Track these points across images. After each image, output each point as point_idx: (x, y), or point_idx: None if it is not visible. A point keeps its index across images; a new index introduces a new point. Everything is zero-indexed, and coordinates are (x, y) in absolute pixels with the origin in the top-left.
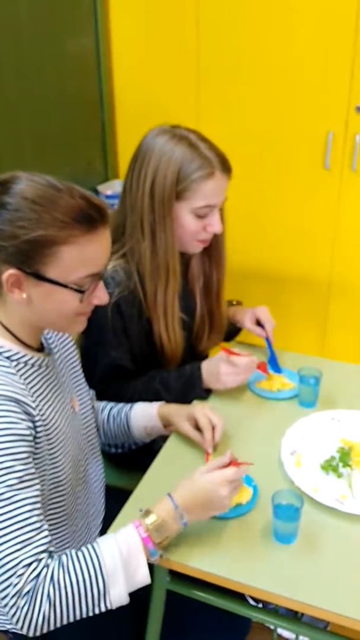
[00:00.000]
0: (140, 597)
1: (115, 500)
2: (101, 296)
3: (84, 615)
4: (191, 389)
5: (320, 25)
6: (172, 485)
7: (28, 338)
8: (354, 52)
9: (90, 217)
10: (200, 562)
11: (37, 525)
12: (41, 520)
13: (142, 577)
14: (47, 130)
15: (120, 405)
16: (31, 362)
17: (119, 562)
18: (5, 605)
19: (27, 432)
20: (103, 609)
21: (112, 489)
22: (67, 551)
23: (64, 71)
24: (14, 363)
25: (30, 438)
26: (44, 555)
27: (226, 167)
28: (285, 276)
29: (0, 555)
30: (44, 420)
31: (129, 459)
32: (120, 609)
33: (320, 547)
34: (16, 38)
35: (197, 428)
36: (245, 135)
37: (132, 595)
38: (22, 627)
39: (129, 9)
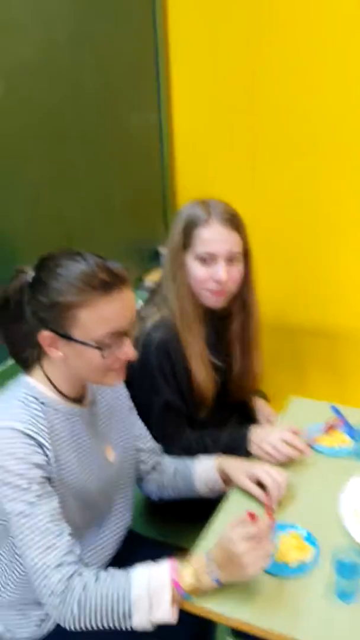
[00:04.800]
0: None
1: (153, 552)
2: (128, 352)
3: (110, 627)
4: (237, 449)
5: None
6: None
7: (67, 389)
8: None
9: (103, 282)
10: (261, 619)
11: (58, 532)
12: (62, 528)
13: (164, 614)
14: (112, 197)
15: (186, 460)
16: (62, 410)
17: (145, 593)
18: (45, 605)
19: (42, 462)
20: (127, 628)
21: (154, 541)
22: (107, 570)
23: (129, 142)
24: (46, 408)
25: (46, 467)
26: (72, 558)
27: (225, 220)
28: (342, 332)
29: (30, 564)
30: (59, 462)
31: (179, 511)
32: None
33: None
34: (83, 112)
35: (257, 484)
36: (300, 195)
37: None
38: (59, 622)
39: (190, 84)
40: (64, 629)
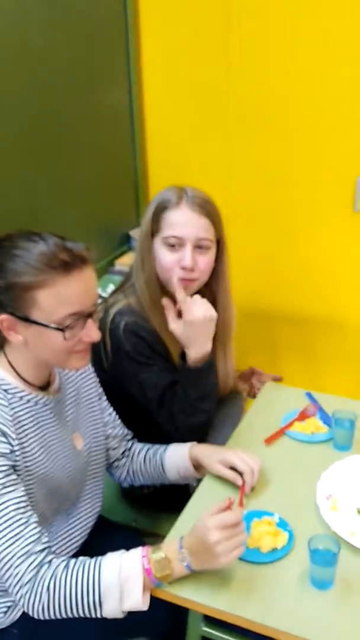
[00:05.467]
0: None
1: (125, 539)
2: (91, 334)
3: (80, 616)
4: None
5: (347, 73)
6: None
7: (31, 376)
8: None
9: (63, 262)
10: (235, 607)
11: (24, 520)
12: (28, 517)
13: (135, 602)
14: (82, 179)
15: (156, 446)
16: (27, 398)
17: (116, 581)
18: (13, 594)
19: (6, 451)
20: (98, 617)
21: (126, 527)
22: (77, 558)
23: (99, 122)
24: (9, 396)
25: (10, 456)
26: (40, 547)
27: (195, 204)
28: (315, 318)
29: None
30: (24, 451)
31: (155, 500)
32: None
33: (358, 593)
34: (53, 91)
35: (231, 469)
36: (274, 180)
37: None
38: (28, 611)
39: (161, 64)
40: (31, 618)
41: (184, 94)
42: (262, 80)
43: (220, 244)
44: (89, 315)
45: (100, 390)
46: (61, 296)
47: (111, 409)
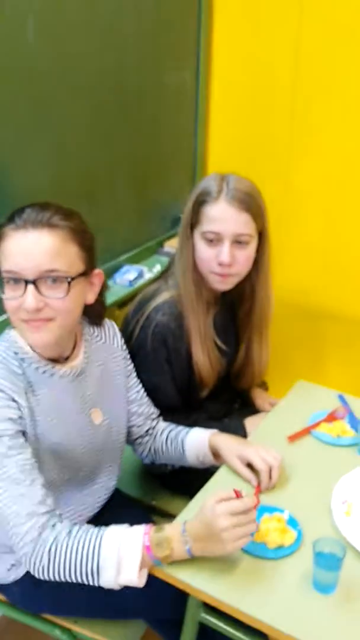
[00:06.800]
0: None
1: (136, 516)
2: (25, 302)
3: (78, 582)
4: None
5: None
6: None
7: (40, 348)
8: None
9: (16, 218)
10: (231, 597)
11: (29, 482)
12: (33, 479)
13: (131, 577)
14: (140, 157)
15: (179, 428)
16: (42, 369)
17: (115, 554)
18: (16, 552)
19: (15, 416)
20: (95, 585)
21: (142, 504)
22: (80, 525)
23: (163, 102)
24: (25, 364)
25: (19, 421)
26: (44, 508)
27: (236, 199)
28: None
29: (1, 511)
30: (34, 419)
31: (176, 481)
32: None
33: (358, 600)
34: (119, 66)
35: (248, 465)
36: (334, 175)
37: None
38: (30, 570)
39: (232, 48)
40: (33, 579)
41: (252, 80)
42: (331, 72)
43: (262, 236)
44: (33, 283)
45: (130, 367)
46: (5, 251)
47: (139, 387)
